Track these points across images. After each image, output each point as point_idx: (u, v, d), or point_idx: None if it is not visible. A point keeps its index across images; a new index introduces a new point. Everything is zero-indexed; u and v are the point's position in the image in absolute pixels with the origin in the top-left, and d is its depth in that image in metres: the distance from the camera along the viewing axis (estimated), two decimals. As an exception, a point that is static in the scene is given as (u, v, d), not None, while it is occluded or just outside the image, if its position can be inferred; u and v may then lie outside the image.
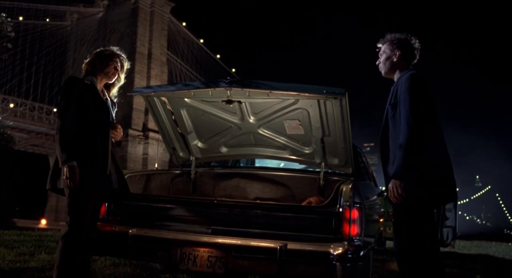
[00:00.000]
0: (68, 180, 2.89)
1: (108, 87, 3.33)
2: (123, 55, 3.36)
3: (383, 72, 3.15)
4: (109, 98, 3.29)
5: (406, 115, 2.82)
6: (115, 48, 3.36)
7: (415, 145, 2.77)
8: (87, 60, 3.29)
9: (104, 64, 3.23)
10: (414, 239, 2.87)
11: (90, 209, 3.03)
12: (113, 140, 3.22)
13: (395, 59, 3.08)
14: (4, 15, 17.65)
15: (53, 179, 3.03)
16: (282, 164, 5.12)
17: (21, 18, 37.10)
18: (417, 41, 3.11)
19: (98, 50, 3.36)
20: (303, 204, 3.61)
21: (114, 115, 3.31)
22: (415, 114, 2.78)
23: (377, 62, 3.19)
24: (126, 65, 3.37)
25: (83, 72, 3.25)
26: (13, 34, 18.40)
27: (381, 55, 3.15)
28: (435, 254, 2.87)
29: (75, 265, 2.96)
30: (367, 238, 3.21)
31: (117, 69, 3.28)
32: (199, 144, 4.17)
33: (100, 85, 3.24)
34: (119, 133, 3.26)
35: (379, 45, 3.18)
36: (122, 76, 3.36)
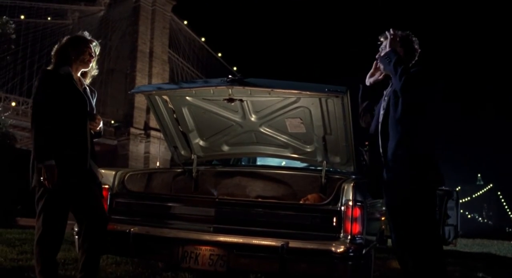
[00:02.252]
0: (46, 181, 2.78)
1: (83, 75, 3.19)
2: (95, 41, 3.24)
3: (382, 67, 3.12)
4: (87, 87, 3.17)
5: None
6: (86, 34, 3.24)
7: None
8: (57, 47, 3.13)
9: (79, 51, 3.10)
10: (412, 235, 2.87)
11: (64, 209, 2.96)
12: (92, 131, 3.11)
13: None
14: (6, 17, 17.64)
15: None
16: (283, 162, 5.12)
17: (22, 17, 37.11)
18: (417, 42, 3.10)
19: (69, 37, 3.21)
20: (300, 201, 3.62)
21: (94, 104, 3.20)
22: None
23: (377, 56, 3.14)
24: (97, 51, 3.24)
25: (54, 61, 3.08)
26: (14, 36, 18.38)
27: (382, 49, 3.10)
28: (437, 250, 2.86)
29: (56, 267, 2.94)
30: (368, 236, 3.21)
31: (92, 56, 3.15)
32: (201, 142, 4.17)
33: (76, 75, 3.11)
34: (97, 123, 3.14)
35: (382, 39, 3.12)
36: (94, 64, 3.22)
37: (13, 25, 17.68)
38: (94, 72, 3.25)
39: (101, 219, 3.05)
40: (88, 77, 3.24)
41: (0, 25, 16.90)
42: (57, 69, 3.03)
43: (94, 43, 3.20)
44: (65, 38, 3.20)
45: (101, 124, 3.20)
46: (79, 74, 3.15)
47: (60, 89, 2.95)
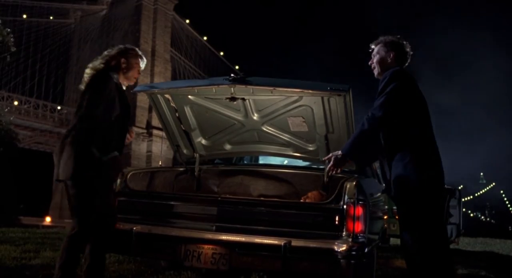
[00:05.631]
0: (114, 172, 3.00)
1: None
2: (145, 59, 3.28)
3: (376, 73, 3.18)
4: None
5: (377, 104, 2.89)
6: (138, 50, 3.25)
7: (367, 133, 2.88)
8: (112, 53, 3.15)
9: (129, 66, 3.15)
10: (419, 235, 2.86)
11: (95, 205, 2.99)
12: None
13: (389, 61, 3.12)
14: (8, 30, 17.79)
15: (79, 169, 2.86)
16: (285, 161, 5.12)
17: (25, 16, 37.18)
18: (409, 45, 3.17)
19: (125, 47, 3.22)
20: (301, 199, 3.63)
21: None
22: (383, 106, 2.85)
23: (369, 63, 3.22)
24: (143, 68, 3.28)
25: (103, 64, 3.10)
26: (14, 49, 18.54)
27: (374, 56, 3.18)
28: (443, 250, 2.86)
29: (77, 264, 2.94)
30: (371, 235, 3.21)
31: (139, 74, 3.21)
32: (203, 141, 4.17)
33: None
34: (131, 137, 3.24)
35: (372, 46, 3.21)
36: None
37: (13, 39, 17.83)
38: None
39: (112, 218, 3.12)
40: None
41: (0, 36, 17.05)
42: (111, 74, 3.06)
43: (144, 60, 3.24)
44: (122, 46, 3.22)
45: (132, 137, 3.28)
46: None
47: (114, 94, 2.99)
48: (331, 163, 2.98)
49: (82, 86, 3.06)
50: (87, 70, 3.09)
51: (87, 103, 2.93)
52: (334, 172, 3.03)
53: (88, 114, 2.89)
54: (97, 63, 3.13)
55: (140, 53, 3.26)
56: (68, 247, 2.90)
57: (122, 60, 3.14)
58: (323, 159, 3.24)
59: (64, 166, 2.88)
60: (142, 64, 3.25)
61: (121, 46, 3.23)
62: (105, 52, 3.19)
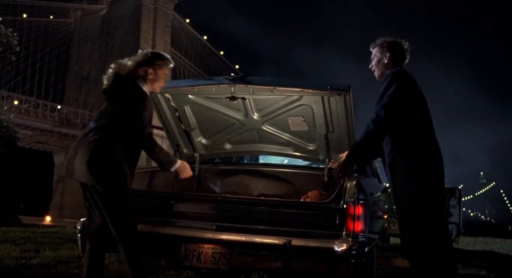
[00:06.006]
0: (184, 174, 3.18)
1: None
2: (172, 62, 3.14)
3: (376, 75, 3.22)
4: None
5: (381, 104, 2.89)
6: (166, 58, 3.11)
7: (373, 136, 2.89)
8: (139, 59, 3.00)
9: (157, 77, 3.03)
10: (419, 235, 2.86)
11: None
12: None
13: (385, 61, 3.15)
14: (10, 30, 17.87)
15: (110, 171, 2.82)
16: (286, 161, 5.12)
17: (25, 16, 37.20)
18: (406, 43, 3.20)
19: (152, 56, 3.04)
20: (301, 199, 3.63)
21: None
22: (387, 108, 2.85)
23: (369, 66, 3.26)
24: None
25: (130, 71, 2.96)
26: (18, 48, 18.60)
27: (372, 59, 3.23)
28: (444, 249, 2.86)
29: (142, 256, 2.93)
30: (371, 235, 3.21)
31: (165, 83, 3.13)
32: (203, 141, 4.17)
33: None
34: None
35: (371, 49, 3.26)
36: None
37: (17, 38, 17.86)
38: None
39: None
40: None
41: (4, 37, 17.10)
42: (140, 85, 2.98)
43: (171, 66, 3.15)
44: (149, 53, 3.07)
45: None
46: None
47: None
48: (338, 171, 2.96)
49: (105, 82, 2.94)
50: (116, 66, 2.98)
51: (138, 119, 2.87)
52: (342, 181, 3.01)
53: (142, 131, 2.91)
54: (129, 64, 2.99)
55: (168, 59, 3.09)
56: (130, 247, 2.86)
57: (150, 71, 2.99)
58: (333, 171, 3.21)
59: (91, 170, 2.80)
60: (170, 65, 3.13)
61: (148, 53, 3.06)
62: (137, 57, 3.03)
